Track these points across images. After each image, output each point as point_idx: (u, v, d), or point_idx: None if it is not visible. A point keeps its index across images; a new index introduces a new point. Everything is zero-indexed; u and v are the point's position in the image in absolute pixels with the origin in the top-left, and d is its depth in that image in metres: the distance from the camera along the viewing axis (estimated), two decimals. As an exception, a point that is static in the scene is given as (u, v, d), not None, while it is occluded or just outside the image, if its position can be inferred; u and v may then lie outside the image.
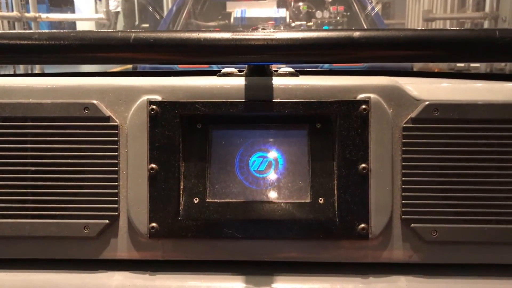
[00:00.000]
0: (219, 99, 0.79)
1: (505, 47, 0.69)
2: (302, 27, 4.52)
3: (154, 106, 0.79)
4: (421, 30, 0.72)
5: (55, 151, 0.80)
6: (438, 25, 6.56)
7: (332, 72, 1.57)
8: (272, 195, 0.81)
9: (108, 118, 0.80)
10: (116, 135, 0.80)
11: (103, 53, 0.72)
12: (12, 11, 5.95)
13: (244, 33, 0.70)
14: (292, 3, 4.97)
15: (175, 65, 2.08)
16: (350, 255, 0.80)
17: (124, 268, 0.81)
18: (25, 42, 0.71)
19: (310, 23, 4.74)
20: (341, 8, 4.70)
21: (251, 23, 4.38)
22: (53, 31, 0.72)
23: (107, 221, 0.80)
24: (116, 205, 0.80)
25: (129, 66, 4.03)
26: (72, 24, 8.40)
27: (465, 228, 0.78)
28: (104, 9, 6.31)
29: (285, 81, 0.81)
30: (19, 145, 0.80)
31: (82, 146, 0.80)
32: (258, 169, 0.82)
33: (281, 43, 0.70)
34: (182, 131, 0.80)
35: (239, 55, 0.72)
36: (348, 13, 4.64)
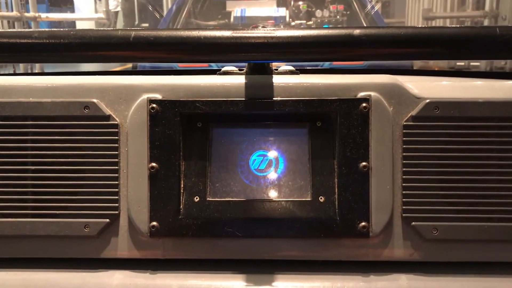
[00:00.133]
0: (220, 98, 0.79)
1: (506, 44, 0.69)
2: (302, 26, 4.52)
3: (154, 105, 0.79)
4: (422, 27, 0.72)
5: (55, 150, 0.80)
6: (438, 23, 6.56)
7: (332, 71, 1.57)
8: (273, 193, 0.81)
9: (108, 117, 0.80)
10: (116, 134, 0.80)
11: (103, 52, 0.72)
12: (12, 11, 5.95)
13: (244, 31, 0.70)
14: (292, 2, 4.97)
15: (175, 64, 2.08)
16: (351, 253, 0.80)
17: (125, 267, 0.81)
18: (25, 40, 0.71)
19: (310, 22, 4.74)
20: (341, 7, 4.71)
21: (251, 22, 4.38)
22: (53, 29, 0.72)
23: (108, 220, 0.79)
24: (117, 204, 0.80)
25: (128, 65, 4.03)
26: (72, 23, 8.41)
27: (466, 226, 0.78)
28: (104, 9, 6.32)
29: (286, 79, 0.81)
30: (19, 144, 0.80)
31: (83, 145, 0.80)
32: (259, 168, 0.82)
33: (281, 41, 0.70)
34: (183, 130, 0.80)
35: (239, 53, 0.71)
36: (348, 12, 4.65)
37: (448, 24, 6.60)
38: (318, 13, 4.72)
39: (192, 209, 0.79)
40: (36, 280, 0.79)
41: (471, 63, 5.14)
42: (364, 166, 0.78)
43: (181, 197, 0.80)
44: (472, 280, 0.78)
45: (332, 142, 0.81)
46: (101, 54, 0.72)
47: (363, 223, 0.77)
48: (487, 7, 5.99)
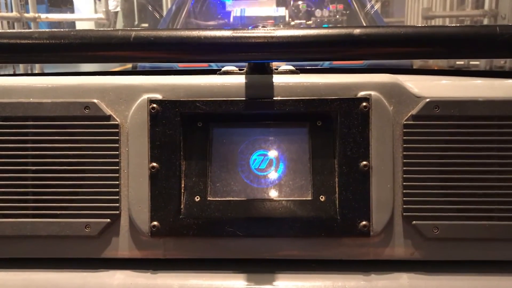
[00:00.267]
0: (220, 98, 0.79)
1: (506, 43, 0.69)
2: (301, 26, 4.52)
3: (154, 105, 0.79)
4: (422, 26, 0.72)
5: (56, 151, 0.80)
6: (437, 23, 6.56)
7: (332, 70, 1.57)
8: (273, 193, 0.81)
9: (108, 117, 0.80)
10: (116, 134, 0.80)
11: (103, 52, 0.72)
12: (12, 11, 5.95)
13: (244, 31, 0.70)
14: (292, 2, 4.96)
15: (175, 64, 2.08)
16: (352, 253, 0.80)
17: (126, 267, 0.81)
18: (26, 41, 0.71)
19: (310, 22, 4.74)
20: (340, 7, 4.70)
21: (251, 22, 4.38)
22: (53, 30, 0.72)
23: (108, 220, 0.80)
24: (117, 204, 0.80)
25: (128, 66, 4.03)
26: (72, 24, 8.40)
27: (467, 224, 0.78)
28: (104, 9, 6.32)
29: (286, 79, 0.81)
30: (20, 144, 0.80)
31: (83, 145, 0.80)
32: (259, 167, 0.82)
33: (281, 40, 0.70)
34: (183, 130, 0.80)
35: (239, 53, 0.72)
36: (347, 12, 4.64)
37: (447, 23, 6.60)
38: (318, 12, 4.71)
39: (193, 208, 0.79)
40: (37, 280, 0.79)
41: (471, 62, 5.15)
42: (365, 165, 0.78)
43: (182, 197, 0.80)
44: (473, 278, 0.78)
45: (333, 141, 0.81)
46: (102, 55, 0.72)
47: (363, 222, 0.77)
48: (486, 6, 5.99)
